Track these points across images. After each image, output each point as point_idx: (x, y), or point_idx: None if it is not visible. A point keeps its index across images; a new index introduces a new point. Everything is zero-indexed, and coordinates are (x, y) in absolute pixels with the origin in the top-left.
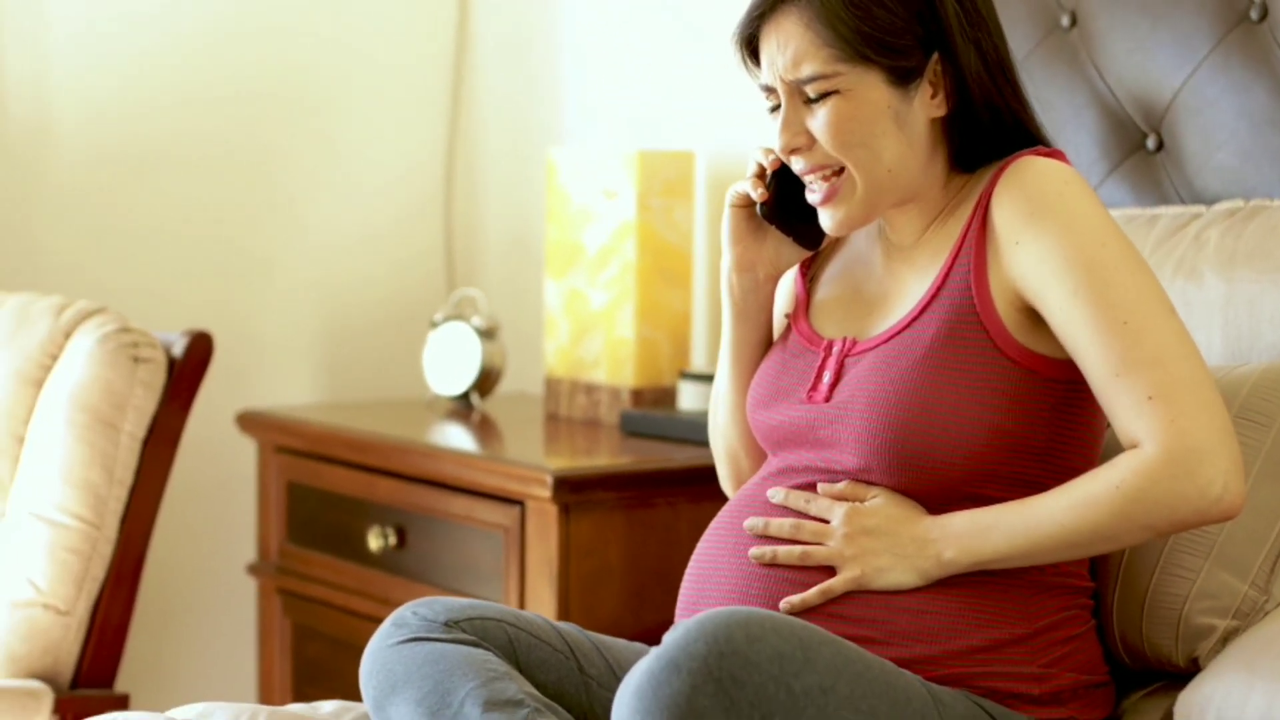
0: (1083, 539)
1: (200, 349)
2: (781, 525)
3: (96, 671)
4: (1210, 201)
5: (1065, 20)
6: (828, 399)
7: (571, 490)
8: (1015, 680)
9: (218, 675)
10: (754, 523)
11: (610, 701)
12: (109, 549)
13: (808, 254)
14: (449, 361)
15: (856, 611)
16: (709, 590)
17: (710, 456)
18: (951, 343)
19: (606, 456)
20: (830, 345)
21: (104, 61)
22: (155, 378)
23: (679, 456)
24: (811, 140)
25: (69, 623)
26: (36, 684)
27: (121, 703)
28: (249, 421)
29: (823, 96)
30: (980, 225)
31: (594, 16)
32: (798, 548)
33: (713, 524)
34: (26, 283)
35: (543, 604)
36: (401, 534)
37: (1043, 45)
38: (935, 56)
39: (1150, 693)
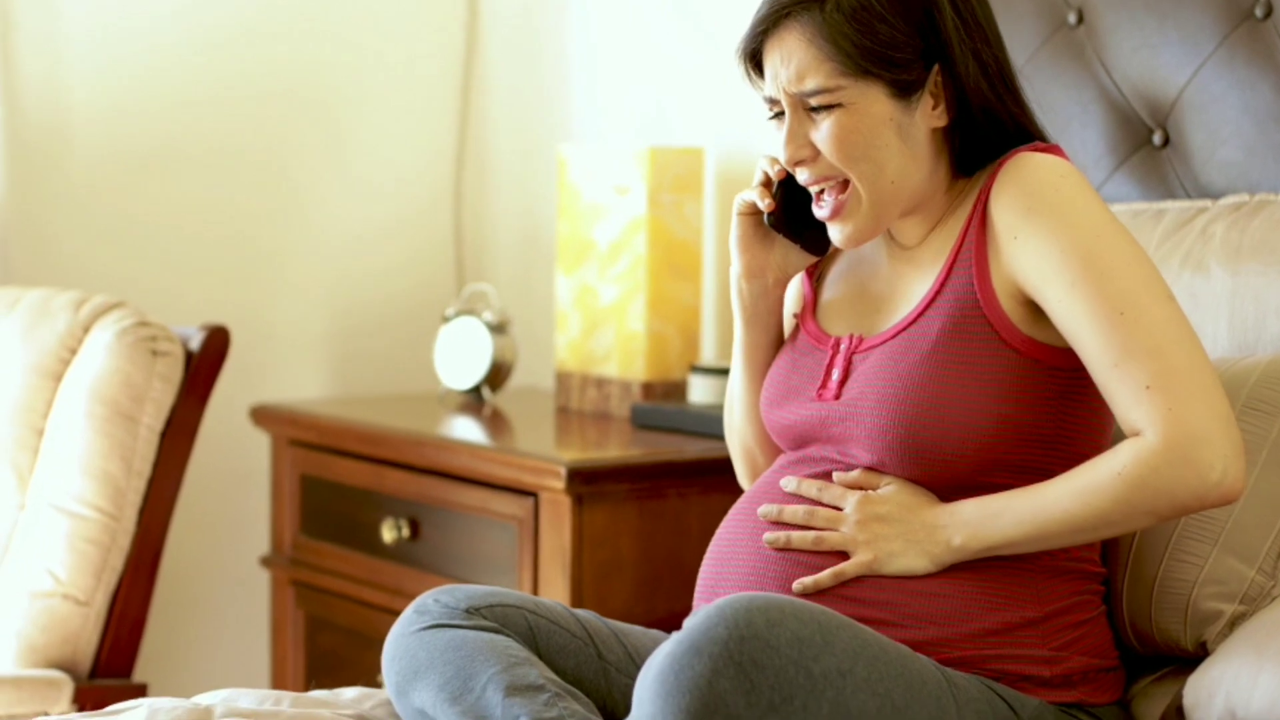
0: (1088, 525)
1: (217, 343)
2: (795, 512)
3: (115, 661)
4: (1215, 196)
5: (1072, 18)
6: (837, 396)
7: (584, 482)
8: (1026, 663)
9: (231, 666)
10: (768, 509)
11: (628, 687)
12: (127, 540)
13: (815, 259)
14: (460, 356)
15: (869, 594)
16: (726, 575)
17: (721, 449)
18: (957, 337)
19: (618, 449)
20: (838, 343)
21: (118, 61)
22: (173, 371)
23: (690, 449)
24: (816, 152)
25: (88, 613)
26: (57, 673)
27: (139, 692)
28: (262, 415)
29: (826, 109)
30: (980, 222)
31: (603, 13)
32: (811, 533)
33: (730, 512)
34: (42, 278)
35: (556, 594)
36: (414, 526)
37: (1050, 42)
38: (936, 68)
39: (1159, 677)
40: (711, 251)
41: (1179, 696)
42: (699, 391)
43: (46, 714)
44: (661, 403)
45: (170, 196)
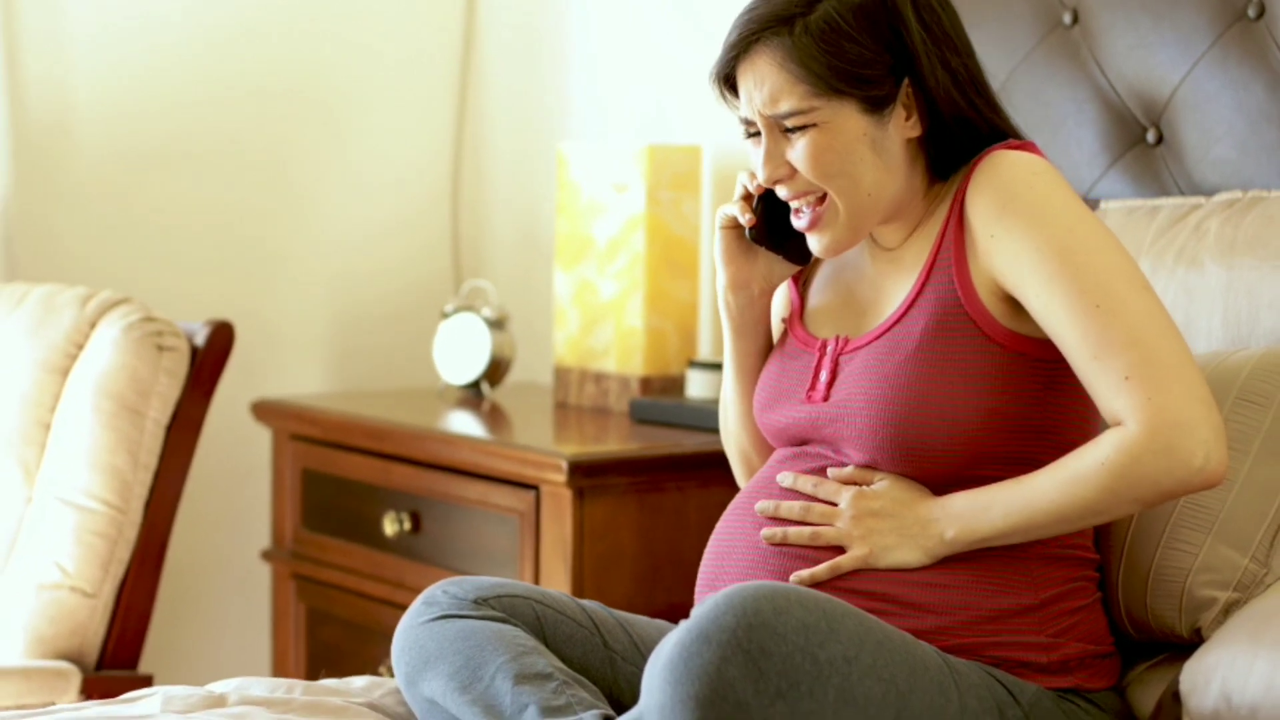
0: (1074, 514)
1: (222, 338)
2: (791, 508)
3: (121, 652)
4: (1208, 193)
5: (1067, 18)
6: (826, 398)
7: (585, 475)
8: (1024, 650)
9: (233, 659)
10: (765, 505)
11: (633, 675)
12: (134, 533)
13: (798, 268)
14: (459, 351)
15: (868, 585)
16: (726, 568)
17: (719, 443)
18: (940, 335)
19: (616, 443)
20: (824, 345)
21: (122, 61)
22: (179, 366)
23: (688, 442)
24: (793, 170)
25: (95, 605)
26: (65, 664)
27: (146, 683)
28: (264, 410)
29: (801, 129)
30: (958, 222)
31: (602, 13)
32: (807, 529)
33: (729, 507)
34: (47, 275)
35: (557, 585)
36: (416, 519)
37: (1045, 42)
38: (906, 81)
39: (1154, 664)
40: (708, 249)
41: (1175, 682)
42: (696, 386)
43: (54, 704)
44: (659, 397)
45: (172, 194)
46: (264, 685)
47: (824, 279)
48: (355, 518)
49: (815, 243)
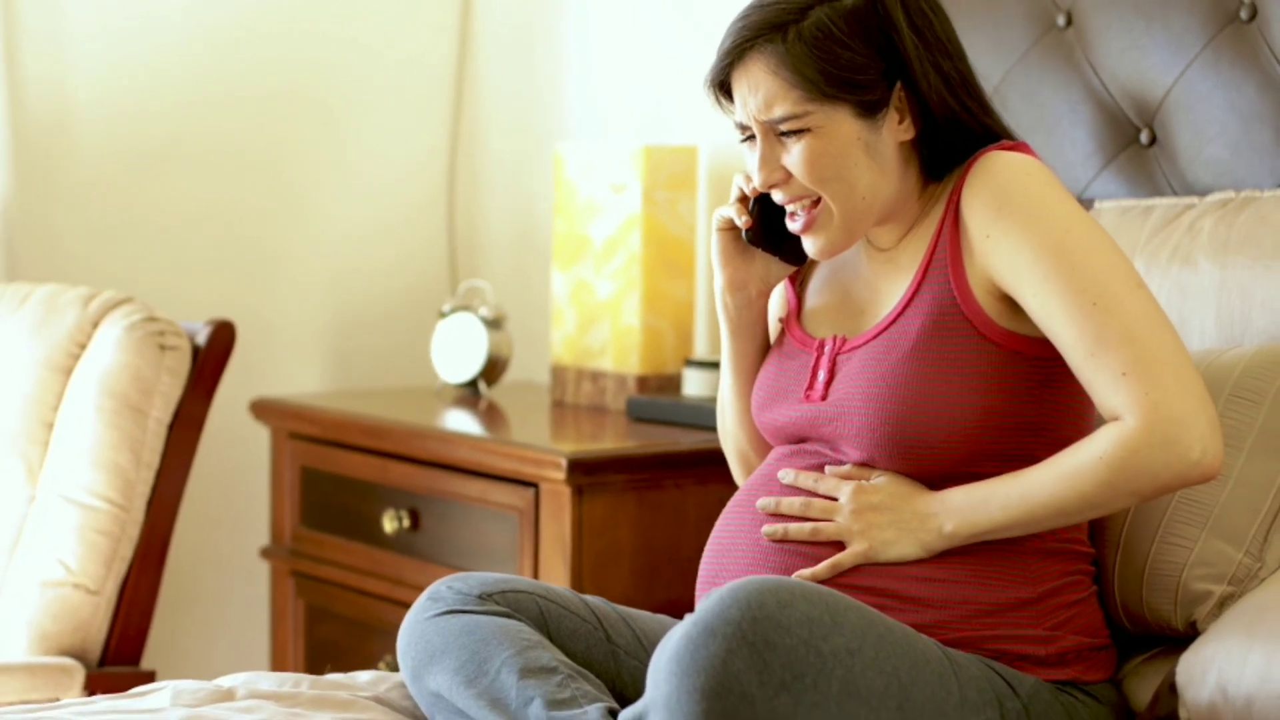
0: (1073, 507)
1: (223, 338)
2: (792, 503)
3: (124, 649)
4: (1201, 193)
5: (1061, 20)
6: (824, 397)
7: (585, 473)
8: (1022, 642)
9: (232, 656)
10: (766, 502)
11: (636, 669)
12: (136, 530)
13: (794, 269)
14: (457, 350)
15: (868, 581)
16: (727, 565)
17: (716, 440)
18: (937, 334)
19: (613, 441)
20: (822, 345)
21: (121, 61)
22: (181, 365)
23: (685, 440)
24: (788, 175)
25: (98, 602)
26: (69, 660)
27: (149, 678)
28: (263, 409)
29: (795, 134)
30: (953, 223)
31: (598, 12)
32: (808, 524)
33: (729, 504)
34: (46, 275)
35: (556, 582)
36: (415, 516)
37: (1040, 44)
38: (898, 85)
39: (1150, 657)
40: (704, 248)
41: (1172, 674)
42: (693, 384)
43: (58, 700)
44: (656, 396)
45: (171, 194)
46: (271, 680)
47: (820, 279)
48: (354, 515)
49: (810, 245)
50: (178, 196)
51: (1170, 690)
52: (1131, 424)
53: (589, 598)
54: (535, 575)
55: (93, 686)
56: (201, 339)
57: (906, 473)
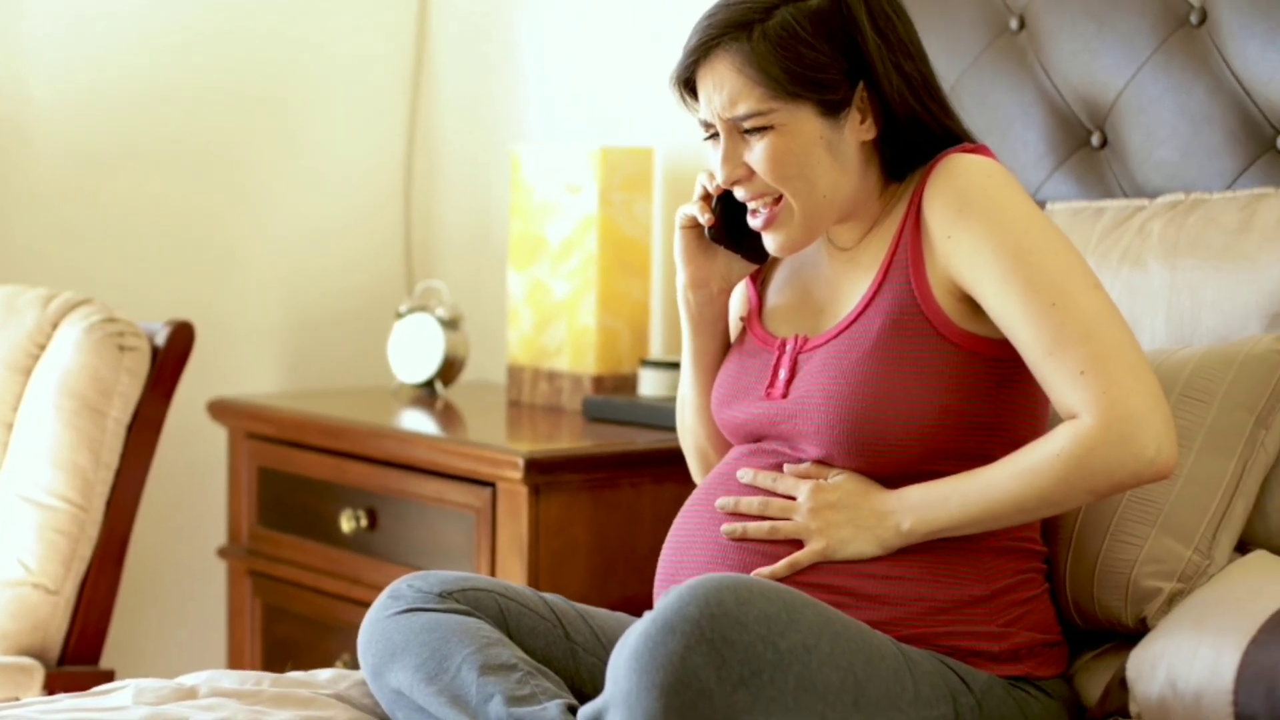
0: (1030, 505)
1: (182, 338)
2: (750, 503)
3: (83, 648)
4: (1152, 195)
5: (1014, 23)
6: (785, 395)
7: (541, 472)
8: (976, 639)
9: (190, 655)
10: (725, 501)
11: (595, 666)
12: (95, 530)
13: (756, 267)
14: (413, 351)
15: (825, 579)
16: (685, 564)
17: (671, 439)
18: (897, 334)
19: (570, 441)
20: (784, 344)
21: (78, 62)
22: (140, 366)
23: (641, 440)
24: (751, 172)
25: (57, 601)
26: (28, 660)
27: (108, 677)
28: (220, 409)
29: (758, 131)
30: (914, 224)
31: (553, 14)
32: (766, 523)
33: (688, 502)
34: (5, 276)
35: (513, 581)
36: (373, 516)
37: (992, 47)
38: (861, 85)
39: (1101, 652)
40: (660, 249)
41: (1122, 669)
42: (649, 384)
43: (18, 699)
44: (612, 396)
45: (129, 194)
46: (233, 678)
47: (782, 278)
48: (312, 515)
49: (771, 241)
50: (135, 196)
51: (1121, 685)
52: (1088, 422)
53: (548, 596)
54: (492, 574)
55: (52, 686)
56: (160, 339)
57: (864, 470)
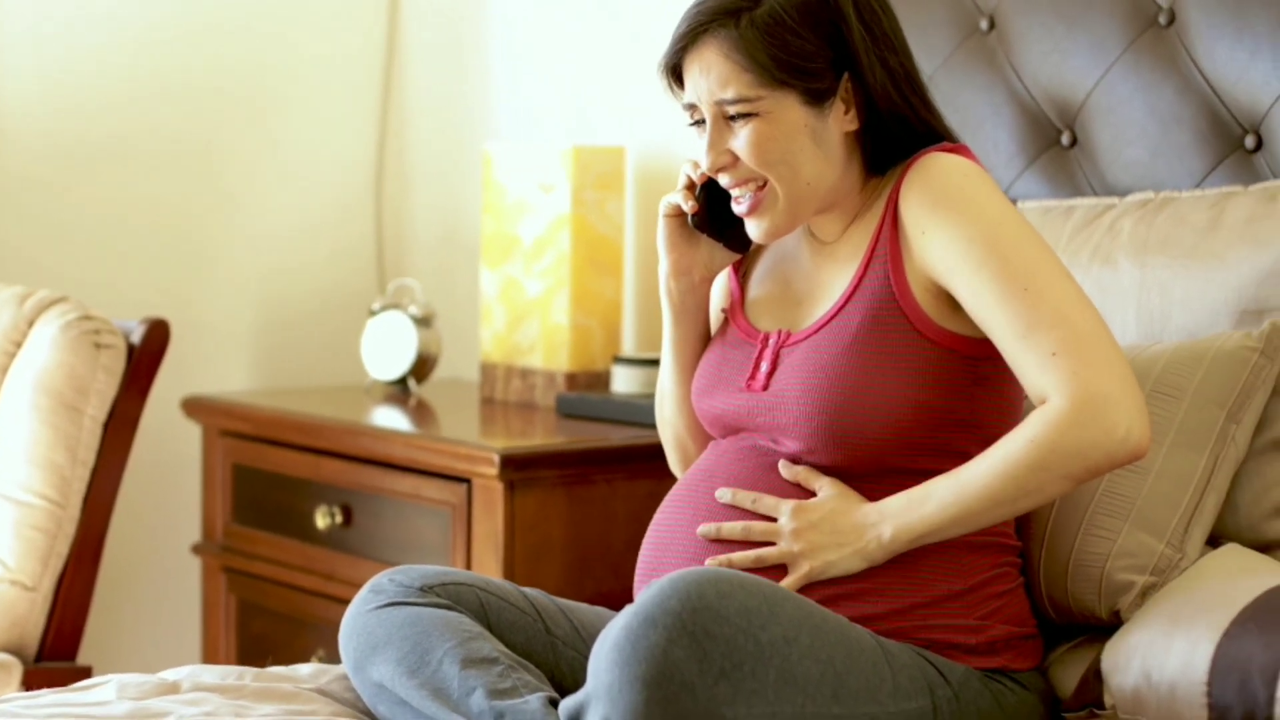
0: (1008, 496)
1: (158, 336)
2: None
3: (60, 645)
4: (1121, 194)
5: (984, 24)
6: (765, 387)
7: (517, 468)
8: (953, 632)
9: (166, 651)
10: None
11: (575, 660)
12: (73, 527)
13: (738, 256)
14: (386, 348)
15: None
16: (666, 559)
17: (645, 436)
18: (875, 330)
19: (543, 437)
20: (766, 338)
21: (53, 60)
22: (116, 363)
23: (615, 436)
24: (735, 158)
25: (35, 598)
26: (6, 656)
27: (85, 674)
28: (194, 406)
29: (744, 118)
30: (892, 220)
31: (525, 13)
32: (752, 552)
33: (667, 498)
34: None
35: (489, 576)
36: (348, 512)
37: (963, 47)
38: (846, 76)
39: (1075, 645)
40: (632, 247)
41: (1097, 661)
42: (622, 381)
43: None
44: (585, 393)
45: (104, 192)
46: (215, 673)
47: (763, 271)
48: (286, 512)
49: (754, 227)
50: (110, 195)
51: (1095, 677)
52: (1059, 403)
53: (528, 590)
54: (468, 569)
55: (29, 682)
56: (136, 337)
57: (841, 463)
